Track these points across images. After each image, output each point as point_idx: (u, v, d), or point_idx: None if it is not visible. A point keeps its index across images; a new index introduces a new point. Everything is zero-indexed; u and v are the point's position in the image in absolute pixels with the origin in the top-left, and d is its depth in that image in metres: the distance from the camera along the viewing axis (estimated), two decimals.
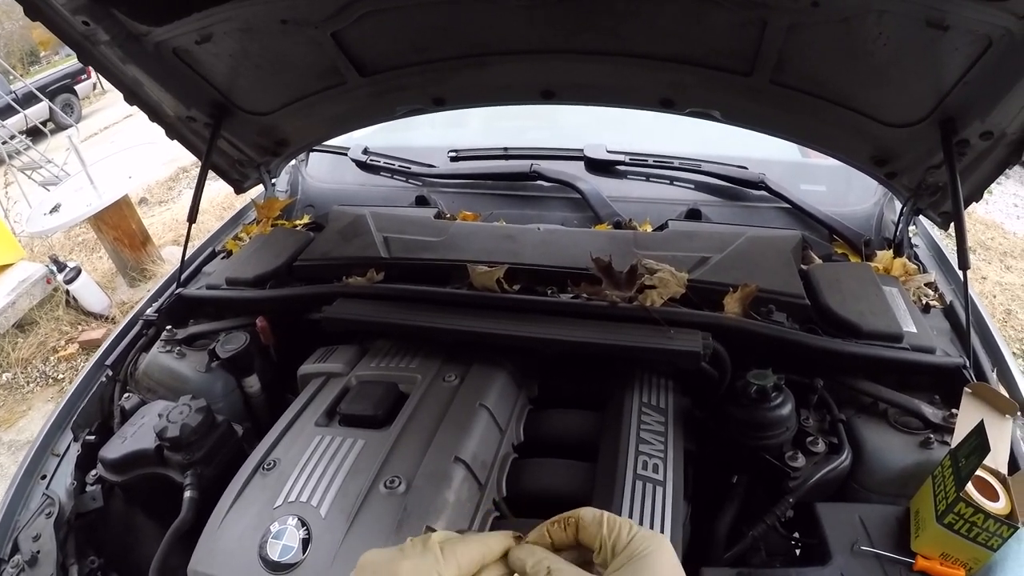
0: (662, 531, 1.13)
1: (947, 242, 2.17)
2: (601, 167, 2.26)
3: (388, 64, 1.75)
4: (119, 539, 1.47)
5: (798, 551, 1.34)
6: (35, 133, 9.29)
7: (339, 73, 1.77)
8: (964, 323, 1.58)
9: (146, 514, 1.52)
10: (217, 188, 7.68)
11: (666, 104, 1.73)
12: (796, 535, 1.34)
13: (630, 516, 1.14)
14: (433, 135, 2.77)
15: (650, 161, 2.22)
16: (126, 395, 1.69)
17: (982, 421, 1.13)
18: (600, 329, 1.44)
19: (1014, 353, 4.08)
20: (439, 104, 1.87)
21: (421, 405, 1.37)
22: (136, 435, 1.44)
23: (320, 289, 1.67)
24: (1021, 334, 4.47)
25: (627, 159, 2.23)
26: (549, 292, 1.58)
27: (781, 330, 1.46)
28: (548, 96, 1.76)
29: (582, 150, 2.26)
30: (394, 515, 1.11)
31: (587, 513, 0.73)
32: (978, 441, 1.10)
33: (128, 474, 1.43)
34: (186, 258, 2.00)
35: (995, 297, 4.80)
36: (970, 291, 1.94)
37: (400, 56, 1.73)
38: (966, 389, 1.40)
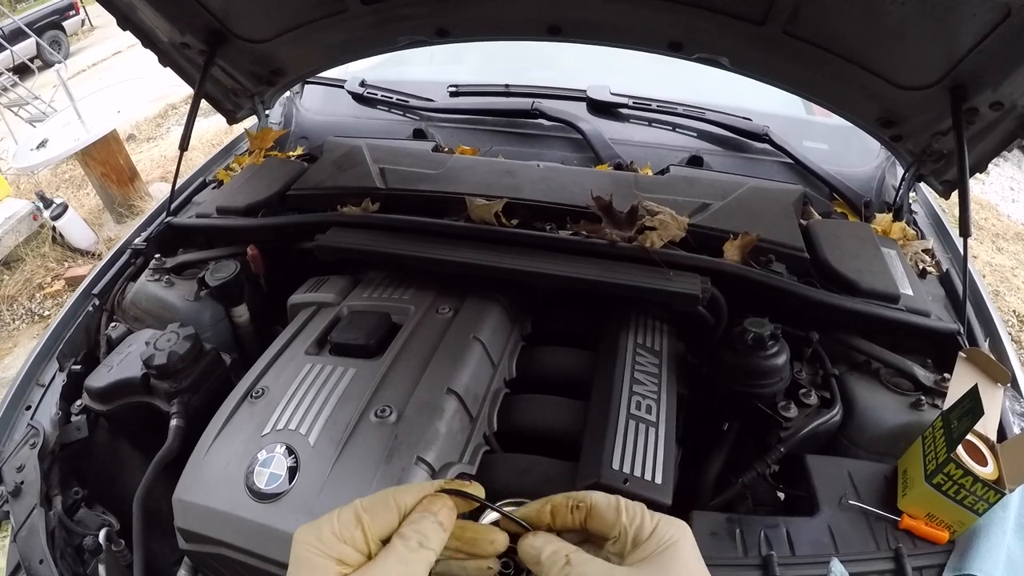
0: (653, 471, 1.13)
1: (946, 211, 2.17)
2: (603, 109, 2.22)
3: None
4: (103, 470, 1.46)
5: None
6: (22, 70, 9.15)
7: (340, 0, 1.71)
8: (960, 292, 1.58)
9: (131, 444, 1.51)
10: (206, 125, 7.58)
11: (675, 47, 1.69)
12: (780, 486, 1.35)
13: (621, 455, 1.14)
14: (431, 71, 2.72)
15: (654, 106, 2.19)
16: (112, 324, 1.67)
17: (976, 385, 1.13)
18: (598, 267, 1.42)
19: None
20: (442, 36, 1.82)
21: (414, 336, 1.35)
22: (122, 364, 1.42)
23: (314, 218, 1.64)
24: (1008, 316, 4.49)
25: (630, 102, 2.20)
26: (548, 228, 1.55)
27: (780, 280, 1.44)
28: (554, 32, 1.72)
29: (585, 91, 2.22)
30: (384, 444, 1.09)
31: (600, 498, 0.67)
32: (972, 404, 1.10)
33: (113, 403, 1.41)
34: (176, 188, 1.96)
35: (984, 277, 4.81)
36: (968, 261, 1.96)
37: None
38: (961, 353, 1.40)
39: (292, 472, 1.05)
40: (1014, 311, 4.51)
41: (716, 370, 1.37)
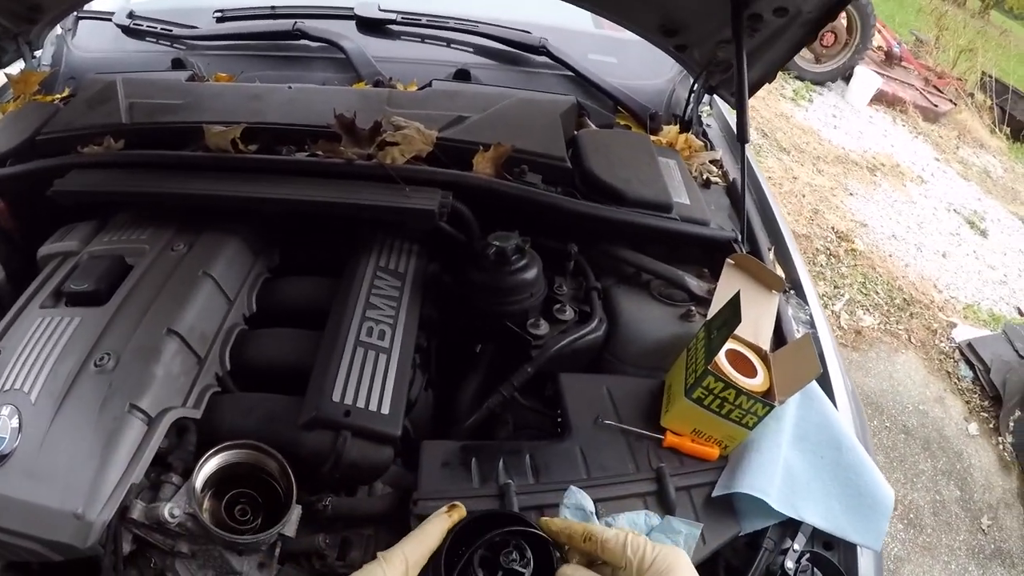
0: (380, 401, 1.07)
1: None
2: (373, 26, 2.09)
3: None
4: None
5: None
6: None
7: None
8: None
9: None
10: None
11: None
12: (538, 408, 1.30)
13: (344, 386, 1.07)
14: None
15: (424, 20, 2.07)
16: None
17: (738, 292, 1.08)
18: (333, 188, 1.31)
19: (817, 249, 4.43)
20: None
21: (144, 277, 1.22)
22: None
23: (50, 163, 1.46)
24: (826, 232, 4.74)
25: (399, 17, 2.07)
26: (284, 151, 1.42)
27: (528, 190, 1.37)
28: None
29: (352, 8, 2.08)
30: (100, 394, 0.99)
31: (611, 535, 0.82)
32: (731, 313, 1.04)
33: None
34: None
35: (804, 197, 5.06)
36: (755, 170, 1.97)
37: None
38: (728, 260, 1.38)
39: (16, 433, 0.95)
40: (833, 227, 4.77)
41: (465, 289, 1.29)
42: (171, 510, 0.89)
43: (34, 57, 2.02)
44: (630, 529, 0.84)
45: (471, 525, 0.85)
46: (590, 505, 0.98)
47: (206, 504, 0.94)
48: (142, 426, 0.97)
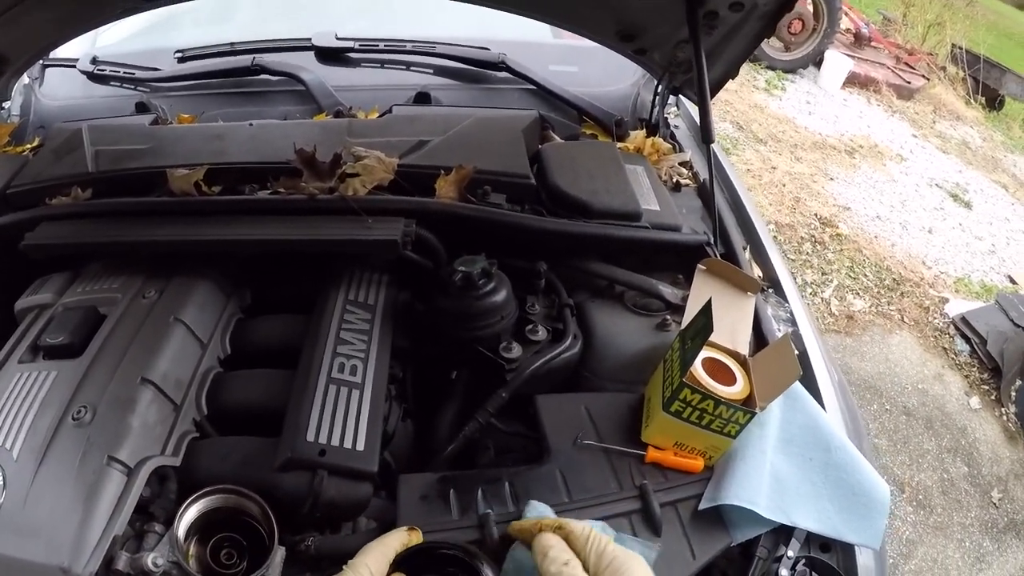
0: (355, 438, 1.06)
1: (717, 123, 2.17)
2: (331, 55, 2.08)
3: None
4: None
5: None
6: None
7: None
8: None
9: None
10: None
11: None
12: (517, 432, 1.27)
13: (318, 425, 1.06)
14: (177, 37, 2.46)
15: (381, 46, 2.06)
16: None
17: (709, 300, 1.06)
18: (297, 225, 1.30)
19: (802, 237, 4.43)
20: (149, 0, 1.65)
21: (117, 327, 1.21)
22: None
23: (20, 216, 1.44)
24: (809, 219, 4.75)
25: (356, 45, 2.07)
26: (247, 190, 1.41)
27: (491, 211, 1.36)
28: None
29: (310, 39, 2.07)
30: (79, 448, 0.99)
31: (576, 526, 0.84)
32: (704, 321, 1.03)
33: None
34: None
35: (785, 186, 5.06)
36: (726, 167, 1.96)
37: None
38: (699, 266, 1.35)
39: (1, 490, 0.95)
40: (816, 214, 4.78)
41: (435, 317, 1.27)
42: (155, 559, 0.89)
43: (2, 108, 2.02)
44: (597, 532, 0.84)
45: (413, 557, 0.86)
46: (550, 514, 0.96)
47: (192, 550, 0.94)
48: (122, 477, 0.96)
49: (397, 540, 0.85)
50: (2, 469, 0.97)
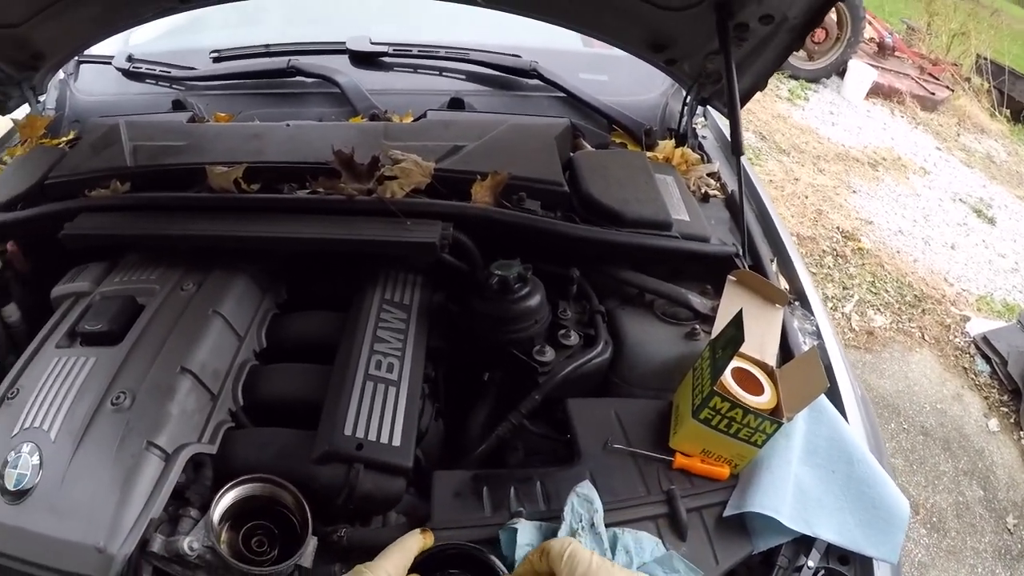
0: (391, 434, 1.09)
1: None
2: (365, 59, 2.12)
3: None
4: None
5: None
6: None
7: None
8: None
9: None
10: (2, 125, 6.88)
11: None
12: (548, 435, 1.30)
13: (355, 420, 1.09)
14: (211, 37, 2.52)
15: (415, 51, 2.10)
16: None
17: (740, 311, 1.08)
18: (335, 224, 1.34)
19: (824, 251, 4.42)
20: (185, 2, 1.70)
21: (156, 317, 1.25)
22: None
23: (59, 206, 1.49)
24: (832, 232, 4.72)
25: (391, 50, 2.11)
26: (286, 189, 1.45)
27: (527, 217, 1.39)
28: None
29: (344, 43, 2.12)
30: (118, 432, 1.02)
31: (555, 543, 0.83)
32: (734, 331, 1.05)
33: None
34: None
35: (807, 198, 5.04)
36: (753, 179, 1.97)
37: None
38: (729, 277, 1.38)
39: (37, 470, 0.99)
40: (838, 227, 4.75)
41: (470, 319, 1.31)
42: (190, 543, 0.91)
43: (39, 102, 2.07)
44: (578, 543, 0.84)
45: (429, 559, 0.88)
46: (598, 502, 0.98)
47: (224, 536, 0.96)
48: (159, 462, 1.00)
49: (416, 543, 0.87)
50: (39, 450, 1.01)
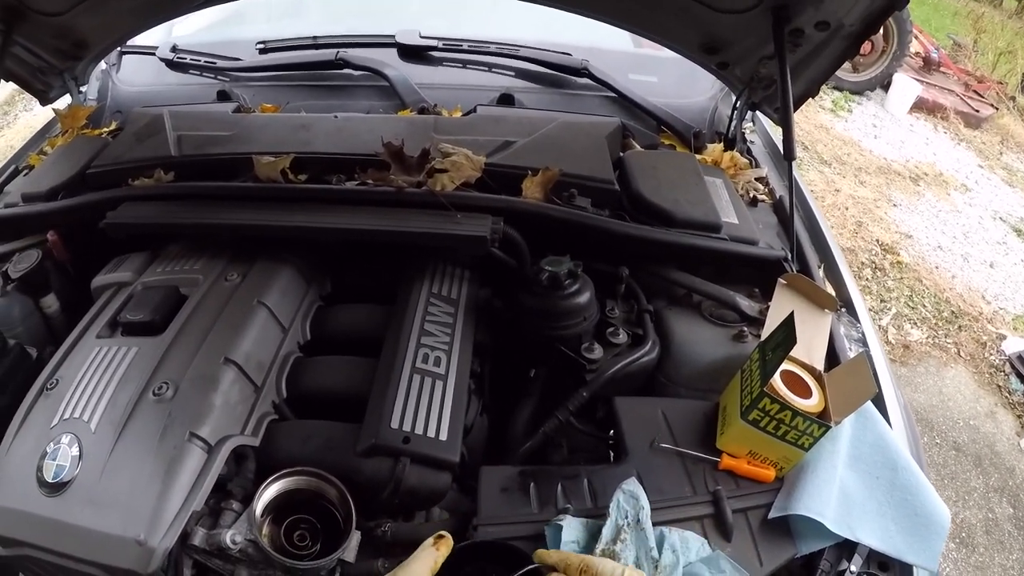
0: (438, 428, 1.09)
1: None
2: (414, 53, 2.13)
3: None
4: None
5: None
6: None
7: None
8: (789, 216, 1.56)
9: None
10: (45, 116, 6.99)
11: None
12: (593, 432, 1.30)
13: (402, 413, 1.09)
14: (254, 29, 2.54)
15: (465, 46, 2.11)
16: None
17: (792, 313, 1.08)
18: (384, 216, 1.34)
19: (863, 263, 4.36)
20: None
21: (199, 307, 1.26)
22: None
23: (102, 195, 1.51)
24: (871, 244, 4.66)
25: (440, 44, 2.11)
26: (334, 180, 1.46)
27: (578, 214, 1.39)
28: None
29: (393, 36, 2.12)
30: (159, 423, 1.02)
31: (608, 568, 0.83)
32: (785, 334, 1.05)
33: None
34: None
35: (847, 209, 4.98)
36: (801, 186, 1.96)
37: None
38: (780, 280, 1.38)
39: (77, 461, 0.98)
40: (877, 240, 4.69)
41: (518, 314, 1.31)
42: (232, 536, 0.91)
43: (80, 92, 2.10)
44: (632, 568, 0.84)
45: (461, 554, 0.88)
46: (645, 500, 0.99)
47: (266, 530, 0.96)
48: (202, 454, 0.99)
49: (446, 547, 0.86)
50: (79, 441, 1.00)
